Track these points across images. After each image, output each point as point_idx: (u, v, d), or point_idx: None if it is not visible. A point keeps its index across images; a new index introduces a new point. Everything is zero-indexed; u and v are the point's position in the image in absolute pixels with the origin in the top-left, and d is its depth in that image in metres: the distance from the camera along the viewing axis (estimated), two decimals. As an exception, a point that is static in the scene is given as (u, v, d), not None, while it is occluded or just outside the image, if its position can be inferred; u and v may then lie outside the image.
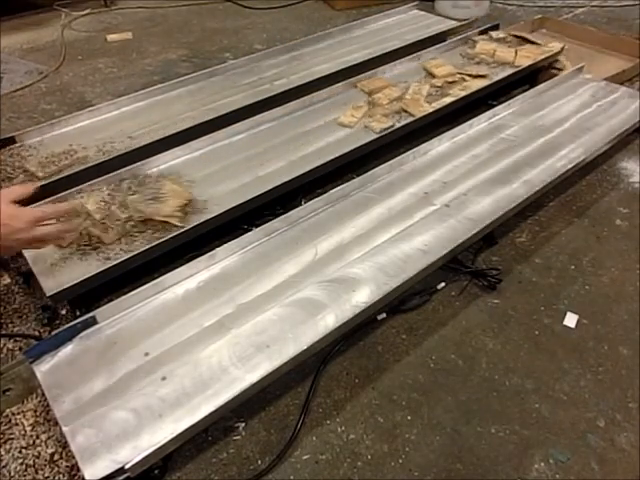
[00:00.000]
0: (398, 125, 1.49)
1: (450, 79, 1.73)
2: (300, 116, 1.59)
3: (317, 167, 1.34)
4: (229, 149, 1.46)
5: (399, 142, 1.54)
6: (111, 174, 1.31)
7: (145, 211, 1.19)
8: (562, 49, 1.88)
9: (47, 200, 1.23)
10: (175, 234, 1.14)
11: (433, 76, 1.77)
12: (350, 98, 1.66)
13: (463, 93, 1.63)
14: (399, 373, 1.07)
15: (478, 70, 1.78)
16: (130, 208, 1.19)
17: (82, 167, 1.35)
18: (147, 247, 1.11)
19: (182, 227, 1.17)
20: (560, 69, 1.87)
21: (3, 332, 1.12)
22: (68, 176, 1.32)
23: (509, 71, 1.79)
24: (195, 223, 1.17)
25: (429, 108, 1.57)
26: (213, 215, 1.19)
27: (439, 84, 1.71)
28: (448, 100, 1.60)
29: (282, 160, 1.40)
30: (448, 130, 1.52)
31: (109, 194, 1.27)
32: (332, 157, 1.35)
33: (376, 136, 1.44)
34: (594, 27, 2.31)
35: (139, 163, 1.36)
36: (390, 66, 1.82)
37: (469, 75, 1.76)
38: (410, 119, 1.52)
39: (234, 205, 1.21)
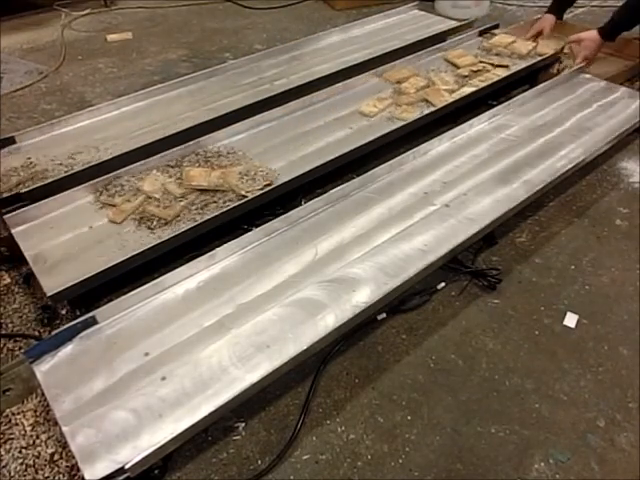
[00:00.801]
0: (419, 115, 1.55)
1: (474, 68, 1.79)
2: (329, 104, 1.67)
3: (352, 150, 1.42)
4: (277, 128, 1.57)
5: (399, 142, 1.54)
6: (158, 155, 1.39)
7: (210, 183, 1.27)
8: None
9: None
10: (242, 202, 1.23)
11: (456, 66, 1.83)
12: (376, 89, 1.72)
13: (483, 84, 1.69)
14: (399, 373, 1.07)
15: (500, 61, 1.85)
16: (190, 183, 1.27)
17: (126, 150, 1.42)
18: (217, 213, 1.19)
19: (247, 196, 1.24)
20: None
21: (3, 332, 1.12)
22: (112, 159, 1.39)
23: (531, 60, 1.86)
24: (259, 192, 1.26)
25: (449, 98, 1.62)
26: (279, 183, 1.29)
27: (465, 73, 1.77)
28: (468, 90, 1.66)
29: (322, 141, 1.50)
30: (448, 130, 1.52)
31: (163, 173, 1.34)
32: (360, 144, 1.43)
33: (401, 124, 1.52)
34: (594, 27, 2.31)
35: (195, 141, 1.45)
36: (413, 57, 1.88)
37: (491, 64, 1.82)
38: (432, 109, 1.58)
39: (296, 175, 1.31)
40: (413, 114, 1.56)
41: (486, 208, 1.26)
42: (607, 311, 1.20)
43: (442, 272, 1.25)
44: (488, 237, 1.33)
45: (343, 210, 1.27)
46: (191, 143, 1.44)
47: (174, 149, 1.41)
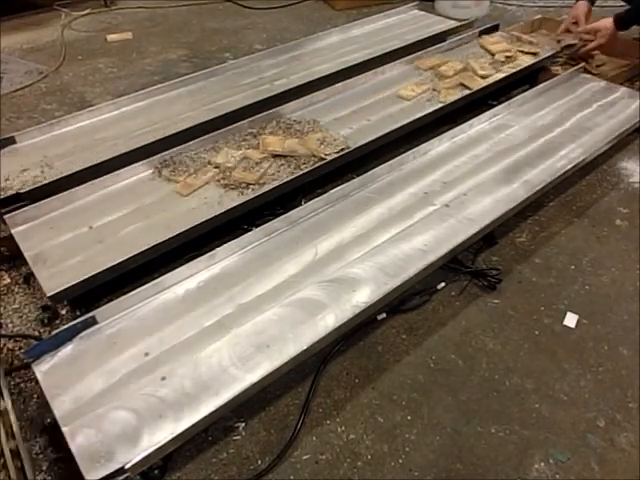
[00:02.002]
0: (457, 97, 1.65)
1: (508, 54, 1.89)
2: (369, 87, 1.78)
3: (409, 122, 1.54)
4: (337, 103, 1.69)
5: (399, 142, 1.54)
6: (226, 128, 1.50)
7: (285, 149, 1.39)
8: None
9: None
10: (320, 164, 1.35)
11: (490, 53, 1.93)
12: (409, 75, 1.83)
13: (512, 70, 1.78)
14: (399, 373, 1.07)
15: (530, 48, 1.94)
16: (266, 149, 1.39)
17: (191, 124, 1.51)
18: (300, 174, 1.32)
19: (326, 158, 1.37)
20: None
21: (3, 332, 1.12)
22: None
23: (557, 47, 1.95)
24: (336, 155, 1.39)
25: (483, 82, 1.72)
26: (353, 148, 1.41)
27: (502, 59, 1.87)
28: (500, 75, 1.75)
29: (378, 115, 1.62)
30: (448, 130, 1.52)
31: (235, 143, 1.46)
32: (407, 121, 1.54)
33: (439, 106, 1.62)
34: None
35: (272, 110, 1.57)
36: (447, 44, 2.00)
37: (521, 51, 1.92)
38: (467, 92, 1.68)
39: (365, 142, 1.43)
40: (454, 95, 1.66)
41: (486, 208, 1.26)
42: (607, 311, 1.20)
43: (442, 272, 1.25)
44: (488, 237, 1.33)
45: (343, 210, 1.27)
46: (262, 115, 1.56)
47: (245, 121, 1.53)
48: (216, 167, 1.37)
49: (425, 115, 1.57)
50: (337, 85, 1.72)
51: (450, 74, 1.76)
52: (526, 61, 1.84)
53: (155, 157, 1.39)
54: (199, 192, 1.31)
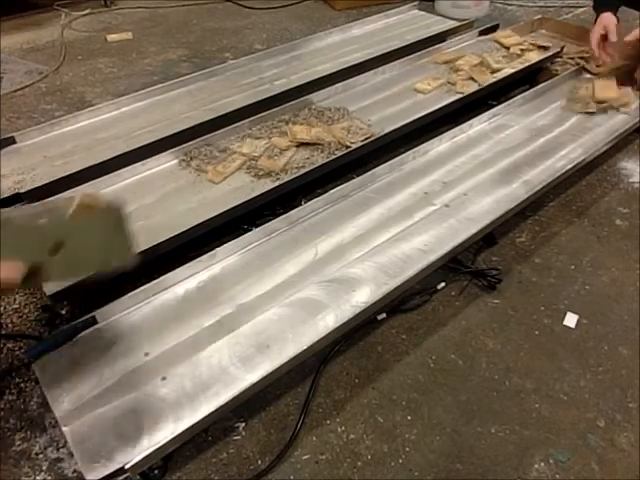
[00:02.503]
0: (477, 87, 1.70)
1: (522, 47, 1.93)
2: (386, 80, 1.82)
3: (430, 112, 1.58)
4: (354, 96, 1.72)
5: (399, 142, 1.54)
6: (257, 116, 1.54)
7: (312, 137, 1.44)
8: None
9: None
10: (348, 151, 1.40)
11: (504, 46, 1.97)
12: (425, 69, 1.86)
13: (521, 66, 1.81)
14: (399, 373, 1.07)
15: (542, 41, 1.99)
16: (294, 137, 1.45)
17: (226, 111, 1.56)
18: (325, 161, 1.36)
19: (351, 146, 1.42)
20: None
21: (3, 332, 1.12)
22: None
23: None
24: (361, 143, 1.43)
25: (491, 78, 1.74)
26: (376, 137, 1.46)
27: (518, 52, 1.91)
28: (511, 70, 1.78)
29: (397, 107, 1.66)
30: (448, 130, 1.52)
31: (266, 131, 1.51)
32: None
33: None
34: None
35: (293, 102, 1.61)
36: (457, 39, 2.03)
37: (533, 44, 1.97)
38: (476, 87, 1.70)
39: (392, 129, 1.48)
40: (470, 88, 1.69)
41: (486, 208, 1.26)
42: (607, 311, 1.20)
43: (442, 272, 1.25)
44: (488, 237, 1.33)
45: (343, 210, 1.27)
46: (289, 104, 1.61)
47: (276, 109, 1.59)
48: (243, 155, 1.41)
49: (446, 105, 1.61)
50: (349, 80, 1.74)
51: (466, 68, 1.80)
52: (536, 56, 1.87)
53: (182, 147, 1.43)
54: (228, 180, 1.36)
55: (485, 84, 1.70)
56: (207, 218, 1.18)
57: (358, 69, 1.79)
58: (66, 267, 0.76)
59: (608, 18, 1.73)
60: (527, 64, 1.82)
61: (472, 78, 1.76)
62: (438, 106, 1.60)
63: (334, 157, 1.38)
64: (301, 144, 1.45)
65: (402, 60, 1.87)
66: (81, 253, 0.76)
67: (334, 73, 1.76)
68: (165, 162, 1.42)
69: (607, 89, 1.65)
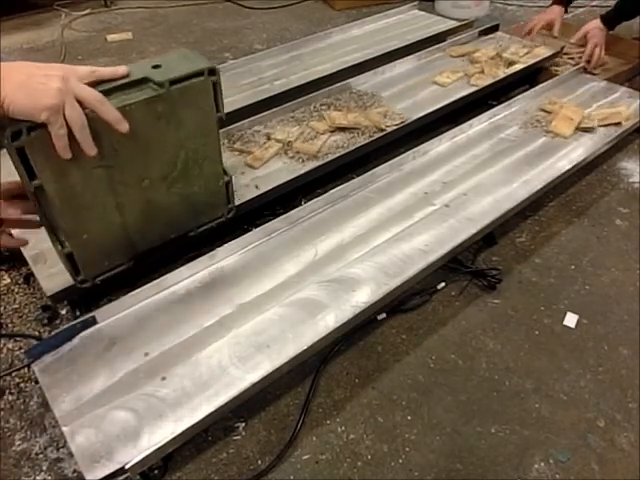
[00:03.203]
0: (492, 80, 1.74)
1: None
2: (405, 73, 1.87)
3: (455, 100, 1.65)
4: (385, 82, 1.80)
5: (399, 142, 1.54)
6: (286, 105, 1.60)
7: (349, 122, 1.50)
8: None
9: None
10: (383, 134, 1.47)
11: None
12: (442, 62, 1.91)
13: (531, 61, 1.84)
14: (399, 373, 1.07)
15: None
16: (333, 122, 1.50)
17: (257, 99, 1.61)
18: (363, 143, 1.43)
19: (386, 130, 1.49)
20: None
21: (3, 332, 1.12)
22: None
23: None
24: (395, 127, 1.50)
25: (501, 73, 1.79)
26: (412, 120, 1.53)
27: (537, 44, 1.96)
28: (519, 67, 1.81)
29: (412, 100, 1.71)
30: (448, 130, 1.52)
31: (295, 117, 1.58)
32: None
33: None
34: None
35: (334, 86, 1.68)
36: (466, 35, 2.07)
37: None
38: (490, 80, 1.74)
39: (419, 116, 1.55)
40: (485, 80, 1.74)
41: (486, 208, 1.26)
42: (607, 311, 1.20)
43: (442, 272, 1.25)
44: (488, 237, 1.33)
45: (343, 210, 1.27)
46: (323, 91, 1.67)
47: (318, 92, 1.66)
48: (278, 142, 1.45)
49: (469, 94, 1.66)
50: (369, 72, 1.78)
51: (483, 60, 1.85)
52: (543, 52, 1.89)
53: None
54: (268, 164, 1.41)
55: (495, 80, 1.74)
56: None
57: (358, 69, 1.79)
58: None
59: (555, 11, 1.96)
60: (538, 59, 1.85)
61: (483, 72, 1.81)
62: (459, 95, 1.65)
63: (373, 139, 1.45)
64: (337, 129, 1.51)
65: (418, 53, 1.91)
66: None
67: (334, 73, 1.76)
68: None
69: (565, 123, 1.53)
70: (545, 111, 1.63)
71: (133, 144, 0.88)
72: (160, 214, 1.01)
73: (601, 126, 1.54)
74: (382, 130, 1.50)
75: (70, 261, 0.93)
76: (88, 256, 0.94)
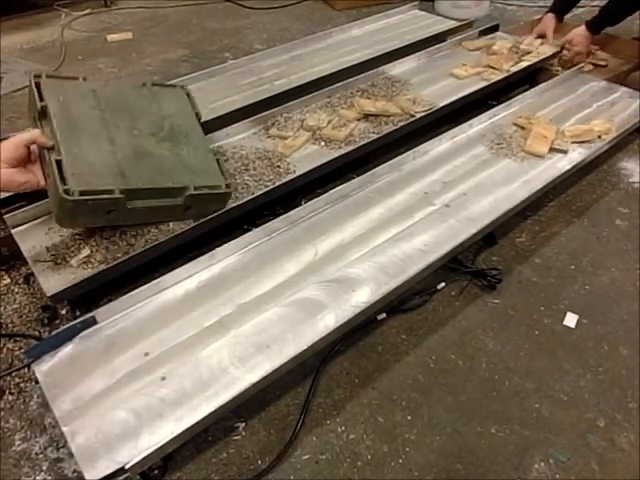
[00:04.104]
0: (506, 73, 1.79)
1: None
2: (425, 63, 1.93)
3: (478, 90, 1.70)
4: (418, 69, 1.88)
5: (399, 142, 1.54)
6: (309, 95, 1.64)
7: (377, 109, 1.55)
8: None
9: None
10: (411, 120, 1.52)
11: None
12: (459, 56, 1.96)
13: (535, 59, 1.87)
14: (399, 373, 1.07)
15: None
16: (364, 108, 1.55)
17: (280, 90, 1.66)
18: (394, 129, 1.49)
19: (415, 116, 1.54)
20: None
21: (3, 332, 1.12)
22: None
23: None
24: (424, 113, 1.56)
25: (510, 68, 1.83)
26: (438, 107, 1.59)
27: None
28: (524, 64, 1.84)
29: (443, 86, 1.78)
30: (448, 130, 1.52)
31: (327, 104, 1.63)
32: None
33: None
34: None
35: (355, 78, 1.73)
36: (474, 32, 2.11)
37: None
38: (501, 76, 1.79)
39: (448, 102, 1.61)
40: (502, 74, 1.79)
41: (486, 208, 1.26)
42: (607, 311, 1.20)
43: (442, 272, 1.25)
44: (488, 237, 1.33)
45: (343, 210, 1.27)
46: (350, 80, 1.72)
47: (350, 79, 1.71)
48: (308, 130, 1.50)
49: (491, 84, 1.73)
50: (387, 65, 1.84)
51: (502, 52, 1.91)
52: (545, 51, 1.90)
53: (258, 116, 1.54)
54: (300, 151, 1.46)
55: (503, 76, 1.77)
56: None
57: (358, 69, 1.79)
58: None
59: (546, 23, 2.01)
60: (542, 57, 1.86)
61: (491, 66, 1.84)
62: (480, 86, 1.71)
63: (402, 124, 1.50)
64: (365, 116, 1.55)
65: (435, 47, 1.96)
66: None
67: (334, 73, 1.76)
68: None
69: (539, 142, 1.45)
70: (519, 126, 1.58)
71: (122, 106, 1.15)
72: (150, 159, 1.12)
73: (575, 142, 1.49)
74: (412, 116, 1.55)
75: (59, 168, 1.00)
76: (77, 169, 1.01)
